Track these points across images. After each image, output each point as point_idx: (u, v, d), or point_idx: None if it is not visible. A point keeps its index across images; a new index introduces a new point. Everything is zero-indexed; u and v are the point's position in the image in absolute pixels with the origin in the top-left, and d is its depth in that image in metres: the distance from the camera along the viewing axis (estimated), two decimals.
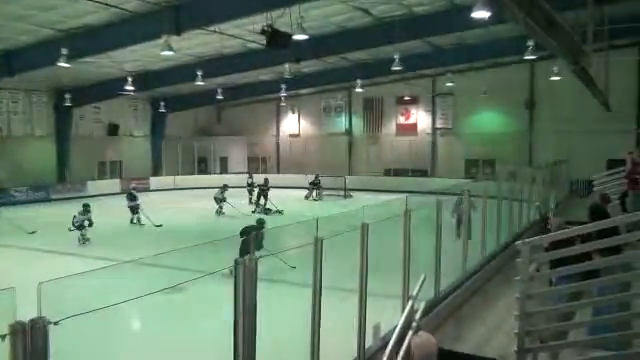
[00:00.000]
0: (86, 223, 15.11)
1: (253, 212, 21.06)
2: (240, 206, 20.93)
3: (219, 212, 20.89)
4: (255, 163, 37.22)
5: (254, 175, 26.62)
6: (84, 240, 14.93)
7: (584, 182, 23.46)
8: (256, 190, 23.28)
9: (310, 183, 27.43)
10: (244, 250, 8.04)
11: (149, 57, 22.10)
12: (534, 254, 5.84)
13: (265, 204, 22.12)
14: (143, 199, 19.73)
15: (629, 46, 24.01)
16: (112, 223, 18.37)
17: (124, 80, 23.19)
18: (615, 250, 6.16)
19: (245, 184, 25.44)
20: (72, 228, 15.01)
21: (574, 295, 6.13)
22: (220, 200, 21.00)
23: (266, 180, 23.35)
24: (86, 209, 15.30)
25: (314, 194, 27.01)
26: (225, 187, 21.47)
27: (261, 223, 11.76)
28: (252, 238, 7.51)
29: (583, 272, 5.85)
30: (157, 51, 17.67)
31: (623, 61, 23.07)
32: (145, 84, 25.44)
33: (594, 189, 17.90)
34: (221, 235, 4.92)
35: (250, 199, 23.84)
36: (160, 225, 17.75)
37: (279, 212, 21.04)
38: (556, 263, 6.15)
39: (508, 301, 7.75)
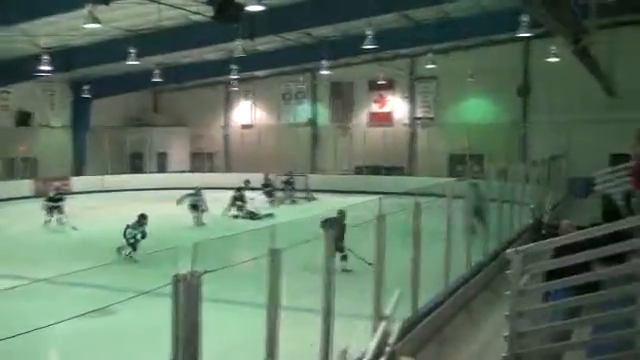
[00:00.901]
0: (139, 236, 14.44)
1: (236, 217, 21.23)
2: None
3: (197, 221, 19.82)
4: (200, 160, 36.84)
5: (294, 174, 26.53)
6: (129, 257, 14.06)
7: (584, 180, 24.03)
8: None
9: (284, 182, 27.30)
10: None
11: (70, 31, 21.60)
12: (527, 264, 5.99)
13: (244, 207, 21.81)
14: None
15: (638, 23, 24.58)
16: (25, 233, 18.15)
17: (38, 58, 22.63)
18: (619, 259, 6.35)
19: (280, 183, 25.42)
20: (126, 249, 14.23)
21: (571, 311, 6.31)
22: (196, 206, 19.93)
23: (247, 182, 23.77)
24: (142, 221, 14.56)
25: (286, 197, 26.83)
26: (198, 189, 20.61)
27: (342, 214, 11.66)
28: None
29: (582, 285, 6.03)
30: (79, 23, 17.32)
31: (631, 39, 23.81)
32: (65, 63, 24.88)
33: (595, 188, 18.37)
34: (167, 247, 4.89)
35: (291, 200, 23.81)
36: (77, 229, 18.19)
37: (269, 216, 20.97)
38: (551, 275, 6.32)
39: (497, 320, 7.91)
